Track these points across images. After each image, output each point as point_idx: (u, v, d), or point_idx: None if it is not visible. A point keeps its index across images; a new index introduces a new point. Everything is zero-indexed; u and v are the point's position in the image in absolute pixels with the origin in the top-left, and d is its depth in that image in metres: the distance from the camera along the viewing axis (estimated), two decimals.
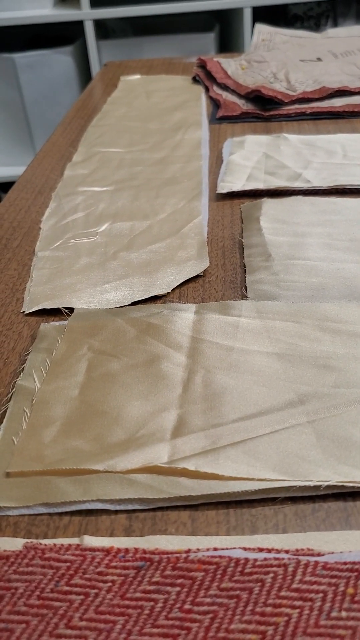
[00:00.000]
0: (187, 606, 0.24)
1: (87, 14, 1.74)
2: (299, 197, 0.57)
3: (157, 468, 0.30)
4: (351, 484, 0.29)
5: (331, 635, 0.23)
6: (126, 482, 0.30)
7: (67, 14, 1.73)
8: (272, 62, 0.91)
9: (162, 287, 0.45)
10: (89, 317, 0.42)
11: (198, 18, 1.97)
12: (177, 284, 0.46)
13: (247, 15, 1.88)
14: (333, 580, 0.25)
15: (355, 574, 0.25)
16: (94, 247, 0.50)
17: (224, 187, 0.60)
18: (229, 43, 2.06)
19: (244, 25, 1.87)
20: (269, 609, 0.24)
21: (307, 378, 0.36)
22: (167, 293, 0.45)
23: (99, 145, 0.72)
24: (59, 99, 1.81)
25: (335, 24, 2.02)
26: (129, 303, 0.44)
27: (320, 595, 0.24)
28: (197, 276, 0.47)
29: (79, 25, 1.77)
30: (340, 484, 0.29)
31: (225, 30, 2.04)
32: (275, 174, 0.62)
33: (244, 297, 0.44)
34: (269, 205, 0.56)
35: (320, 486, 0.29)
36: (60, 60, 1.79)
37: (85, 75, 1.87)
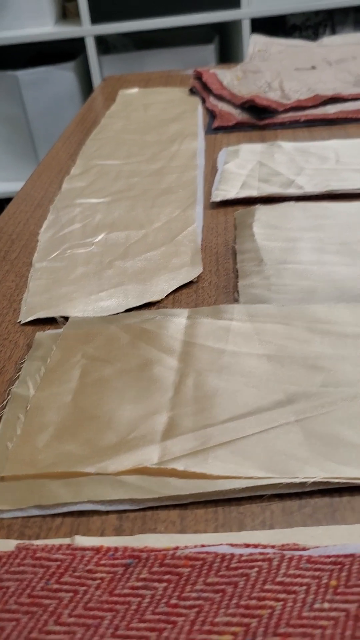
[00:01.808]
0: (173, 601, 0.25)
1: (87, 30, 1.77)
2: (291, 203, 0.58)
3: (146, 469, 0.31)
4: (337, 480, 0.30)
5: (313, 626, 0.24)
6: (117, 483, 0.31)
7: (68, 31, 1.76)
8: (267, 71, 0.93)
9: (156, 293, 0.46)
10: (84, 325, 0.43)
11: (198, 30, 2.00)
12: (171, 290, 0.47)
13: (246, 27, 1.90)
14: (317, 573, 0.25)
15: (339, 566, 0.26)
16: (90, 257, 0.51)
17: (218, 196, 0.61)
18: (228, 54, 2.07)
19: (243, 37, 1.89)
20: (253, 602, 0.24)
21: (296, 378, 0.37)
22: (161, 299, 0.46)
23: (96, 158, 0.73)
24: (63, 114, 1.84)
25: (334, 33, 2.04)
26: (123, 310, 0.44)
27: (304, 587, 0.25)
28: (191, 282, 0.48)
29: (80, 41, 1.80)
30: (327, 480, 0.30)
31: (225, 42, 2.07)
32: (269, 181, 0.63)
33: (236, 301, 0.45)
34: (261, 211, 0.57)
35: (306, 483, 0.30)
36: (63, 76, 1.82)
37: (87, 90, 1.89)
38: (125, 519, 0.29)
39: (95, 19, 1.79)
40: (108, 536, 0.29)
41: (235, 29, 1.92)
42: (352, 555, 0.26)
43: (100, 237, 0.54)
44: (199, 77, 0.98)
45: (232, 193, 0.62)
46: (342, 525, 0.28)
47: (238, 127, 0.80)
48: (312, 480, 0.30)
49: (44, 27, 1.81)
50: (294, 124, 0.79)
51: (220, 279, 0.49)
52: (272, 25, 2.03)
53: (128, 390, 0.36)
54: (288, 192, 0.60)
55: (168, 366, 0.38)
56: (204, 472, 0.30)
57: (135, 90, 1.00)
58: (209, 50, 1.95)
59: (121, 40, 2.02)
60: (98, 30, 1.78)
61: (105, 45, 2.01)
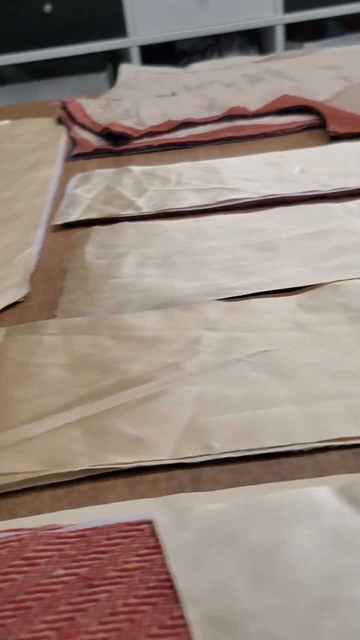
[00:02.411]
0: None
1: None
2: (126, 223, 0.63)
3: None
4: (100, 466, 0.34)
5: (46, 590, 0.27)
6: None
7: None
8: (127, 99, 0.98)
9: None
10: None
11: (92, 59, 2.05)
12: None
13: (135, 54, 1.96)
14: (60, 547, 0.29)
15: (81, 538, 0.29)
16: None
17: (61, 219, 0.65)
18: None
19: (133, 64, 1.95)
20: None
21: (89, 382, 0.40)
22: None
23: None
24: None
25: (221, 56, 2.14)
26: None
27: (46, 559, 0.28)
28: (17, 302, 0.51)
29: None
30: (91, 467, 0.34)
31: (118, 69, 2.13)
32: (112, 204, 0.68)
33: (55, 317, 0.49)
34: (98, 232, 0.61)
35: (73, 471, 0.34)
36: None
37: None
38: None
39: None
40: None
41: (126, 56, 1.99)
42: (94, 528, 0.30)
43: None
44: (64, 107, 1.02)
45: (74, 216, 0.66)
46: (103, 505, 0.32)
47: (96, 153, 0.85)
48: (78, 469, 0.34)
49: None
50: (148, 149, 0.84)
51: (47, 297, 0.52)
52: (161, 52, 2.11)
53: None
54: (126, 213, 0.65)
55: None
56: None
57: (6, 122, 1.04)
58: (101, 79, 2.01)
59: (15, 71, 2.04)
60: None
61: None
